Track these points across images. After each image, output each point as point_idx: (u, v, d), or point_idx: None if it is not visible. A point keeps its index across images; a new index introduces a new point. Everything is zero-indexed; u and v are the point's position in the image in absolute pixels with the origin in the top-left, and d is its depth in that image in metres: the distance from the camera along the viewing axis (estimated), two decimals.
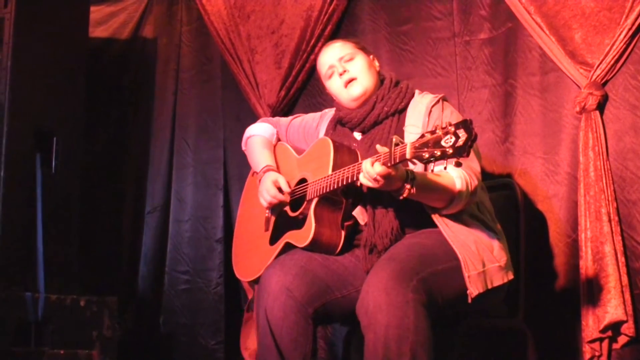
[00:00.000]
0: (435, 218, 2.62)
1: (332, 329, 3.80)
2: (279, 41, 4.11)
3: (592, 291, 3.00)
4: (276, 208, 2.94)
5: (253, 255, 3.02)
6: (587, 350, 3.01)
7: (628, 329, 2.96)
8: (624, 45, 3.07)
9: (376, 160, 2.42)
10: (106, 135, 4.70)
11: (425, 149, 2.27)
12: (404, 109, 2.82)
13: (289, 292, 2.63)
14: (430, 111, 2.75)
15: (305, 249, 2.76)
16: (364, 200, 2.75)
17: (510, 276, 2.67)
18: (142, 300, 4.49)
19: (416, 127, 2.72)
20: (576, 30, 3.17)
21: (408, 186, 2.46)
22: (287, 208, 2.90)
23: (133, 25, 4.77)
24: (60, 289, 3.57)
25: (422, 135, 2.31)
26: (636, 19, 3.02)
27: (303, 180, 2.88)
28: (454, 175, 2.57)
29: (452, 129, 2.23)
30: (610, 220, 3.02)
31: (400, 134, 2.73)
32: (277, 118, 3.28)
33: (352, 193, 2.75)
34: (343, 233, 2.77)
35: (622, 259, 3.01)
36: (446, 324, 2.66)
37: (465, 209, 2.64)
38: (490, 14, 3.52)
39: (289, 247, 2.83)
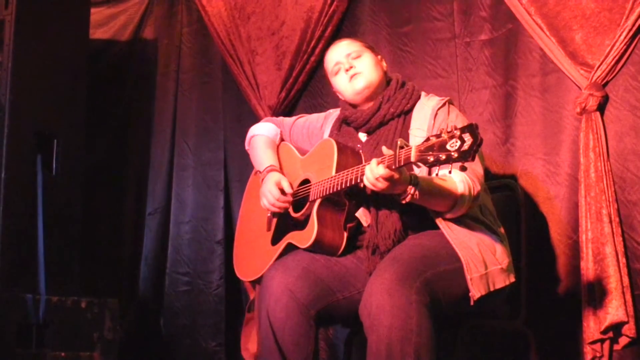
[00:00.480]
0: (438, 221, 2.62)
1: (333, 331, 3.80)
2: (279, 42, 4.11)
3: (593, 292, 3.00)
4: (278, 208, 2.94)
5: (254, 255, 3.01)
6: (588, 352, 3.01)
7: (629, 330, 2.96)
8: (625, 46, 3.07)
9: (380, 162, 2.42)
10: (107, 137, 4.70)
11: (430, 153, 2.26)
12: (410, 111, 2.82)
13: (291, 294, 2.62)
14: (436, 114, 2.75)
15: (307, 250, 2.76)
16: (367, 201, 2.74)
17: (512, 279, 2.67)
18: (143, 301, 4.49)
19: (421, 130, 2.72)
20: (577, 31, 3.18)
21: (411, 190, 2.46)
22: (289, 209, 2.90)
23: (133, 27, 4.77)
24: (61, 290, 3.57)
25: (428, 139, 2.30)
26: (636, 20, 3.02)
27: (306, 181, 2.87)
28: (457, 180, 2.57)
29: (458, 132, 2.22)
30: (611, 221, 3.03)
31: (406, 135, 2.73)
32: (281, 118, 3.27)
33: (355, 195, 2.75)
34: (345, 234, 2.76)
35: (623, 260, 3.01)
36: (448, 325, 2.66)
37: (468, 212, 2.64)
38: (490, 15, 3.52)
39: (290, 247, 2.83)
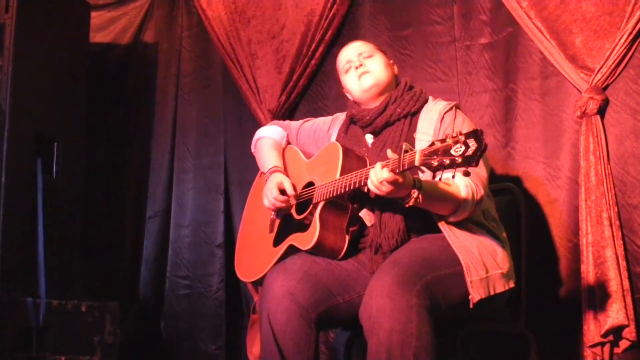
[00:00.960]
0: (441, 224, 2.63)
1: (333, 334, 3.80)
2: (279, 46, 4.11)
3: (594, 295, 3.00)
4: (281, 210, 2.94)
5: (256, 256, 3.01)
6: (588, 355, 3.01)
7: (629, 333, 2.96)
8: (625, 50, 3.07)
9: (385, 166, 2.43)
10: (107, 140, 4.70)
11: (435, 157, 2.27)
12: (416, 113, 2.83)
13: (292, 297, 2.63)
14: (443, 117, 2.76)
15: (308, 252, 2.76)
16: (370, 205, 2.75)
17: (512, 284, 2.67)
18: (143, 305, 4.49)
19: (427, 134, 2.72)
20: (577, 35, 3.18)
21: (415, 194, 2.47)
22: (292, 211, 2.90)
23: (134, 31, 4.77)
24: (61, 294, 3.57)
25: (432, 143, 2.31)
26: (636, 23, 3.03)
27: (310, 184, 2.88)
28: (460, 184, 2.58)
29: (463, 138, 2.24)
30: (611, 225, 3.03)
31: (411, 138, 2.73)
32: (287, 121, 3.28)
33: (359, 199, 2.75)
34: (347, 238, 2.76)
35: (623, 263, 3.01)
36: (448, 329, 2.66)
37: (470, 217, 2.64)
38: (490, 19, 3.53)
39: (292, 249, 2.83)
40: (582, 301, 3.04)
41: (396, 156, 2.41)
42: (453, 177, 2.30)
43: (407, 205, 2.50)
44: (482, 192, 2.63)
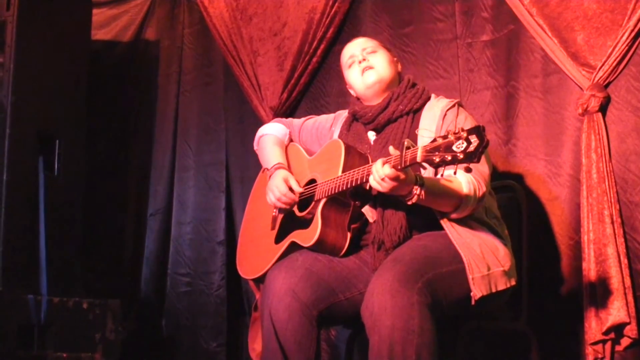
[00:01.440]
0: (443, 221, 2.63)
1: (335, 332, 3.80)
2: (281, 43, 4.11)
3: (595, 293, 3.00)
4: (284, 205, 2.93)
5: (257, 253, 3.02)
6: (590, 353, 3.01)
7: (631, 331, 2.96)
8: (627, 47, 3.07)
9: (386, 162, 2.43)
10: (108, 137, 4.70)
11: (437, 153, 2.27)
12: (419, 110, 2.83)
13: (294, 294, 2.63)
14: (445, 114, 2.76)
15: (310, 249, 2.76)
16: (373, 201, 2.75)
17: (513, 282, 2.67)
18: (144, 302, 4.49)
19: (429, 131, 2.73)
20: (578, 32, 3.17)
21: (417, 191, 2.47)
22: (294, 208, 2.90)
23: (135, 28, 4.77)
24: (63, 291, 3.58)
25: (434, 140, 2.31)
26: (638, 20, 3.02)
27: (313, 181, 2.88)
28: (462, 181, 2.57)
29: (464, 134, 2.24)
30: (613, 222, 3.02)
31: (414, 135, 2.74)
32: (290, 119, 3.28)
33: (361, 196, 2.75)
34: (349, 235, 2.76)
35: (624, 261, 3.01)
36: (449, 326, 2.66)
37: (472, 214, 2.64)
38: (492, 16, 3.52)
39: (294, 246, 2.83)
40: (583, 299, 3.04)
41: (398, 152, 2.41)
42: (455, 173, 2.30)
43: (409, 202, 2.50)
44: (484, 189, 2.63)
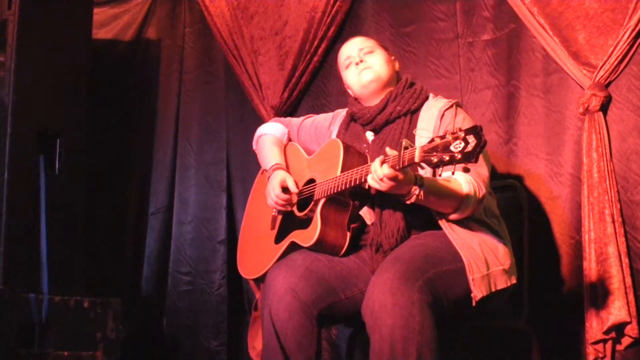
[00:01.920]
0: (441, 222, 2.63)
1: (336, 330, 3.80)
2: (282, 42, 4.11)
3: (596, 292, 3.00)
4: (282, 207, 2.94)
5: (257, 253, 3.02)
6: (590, 352, 3.01)
7: (632, 330, 2.96)
8: (628, 47, 3.07)
9: (384, 162, 2.43)
10: (110, 136, 4.70)
11: (434, 154, 2.28)
12: (417, 110, 2.83)
13: (294, 294, 2.63)
14: (443, 115, 2.76)
15: (309, 249, 2.76)
16: (371, 202, 2.75)
17: (514, 280, 2.67)
18: (145, 301, 4.49)
19: (427, 131, 2.73)
20: (579, 32, 3.17)
21: (416, 191, 2.47)
22: (294, 208, 2.90)
23: (136, 27, 4.77)
24: (64, 290, 3.58)
25: (432, 140, 2.31)
26: (639, 20, 3.02)
27: (312, 181, 2.88)
28: (462, 182, 2.57)
29: (462, 134, 2.24)
30: (613, 222, 3.02)
31: (411, 135, 2.74)
32: (288, 118, 3.29)
33: (360, 196, 2.75)
34: (348, 235, 2.77)
35: (625, 260, 3.01)
36: (450, 325, 2.66)
37: (472, 215, 2.64)
38: (493, 15, 3.52)
39: (293, 246, 2.83)
40: (584, 298, 3.04)
41: (395, 153, 2.41)
42: (453, 173, 2.30)
43: (408, 202, 2.51)
44: (484, 190, 2.63)
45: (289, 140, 3.19)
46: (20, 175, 3.57)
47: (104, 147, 4.61)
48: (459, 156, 2.23)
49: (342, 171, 2.72)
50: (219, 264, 4.30)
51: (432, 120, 2.76)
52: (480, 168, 2.66)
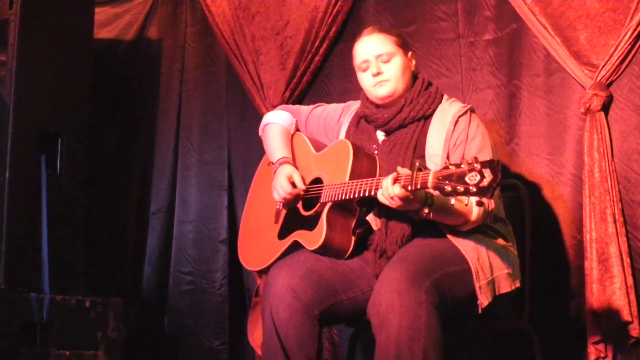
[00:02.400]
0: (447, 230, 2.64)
1: (337, 330, 3.80)
2: (283, 42, 4.11)
3: (597, 292, 3.00)
4: (288, 202, 2.92)
5: (260, 246, 3.00)
6: (592, 352, 3.01)
7: (633, 330, 2.96)
8: (629, 46, 3.06)
9: (397, 181, 2.41)
10: (111, 136, 4.70)
11: (448, 182, 2.25)
12: (431, 115, 2.78)
13: (295, 294, 2.62)
14: (457, 121, 2.72)
15: (314, 252, 2.75)
16: (378, 207, 2.72)
17: (518, 284, 2.69)
18: (146, 301, 4.49)
19: (440, 136, 2.70)
20: (581, 31, 3.17)
21: (426, 210, 2.47)
22: (299, 205, 2.89)
23: (138, 27, 4.77)
24: (65, 289, 3.58)
25: (446, 167, 2.28)
26: None
27: (318, 180, 2.86)
28: (473, 200, 2.54)
29: (478, 166, 2.20)
30: (615, 221, 3.02)
31: (423, 139, 2.72)
32: (297, 106, 3.22)
33: (367, 202, 2.72)
34: (353, 239, 2.76)
35: (627, 260, 3.01)
36: (452, 325, 2.66)
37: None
38: (494, 15, 3.52)
39: (296, 245, 2.82)
40: (585, 298, 3.04)
41: (407, 172, 2.39)
42: (466, 205, 2.27)
43: (416, 219, 2.51)
44: (494, 205, 2.63)
45: (297, 129, 3.12)
46: (21, 175, 3.57)
47: (105, 146, 4.62)
48: (474, 189, 2.20)
49: (350, 177, 2.69)
50: (220, 263, 4.30)
51: (444, 125, 2.72)
52: None
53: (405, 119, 2.77)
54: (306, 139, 3.05)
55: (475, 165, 2.21)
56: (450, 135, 2.70)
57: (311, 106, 3.17)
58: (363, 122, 2.92)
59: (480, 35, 3.56)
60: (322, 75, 4.06)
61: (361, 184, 2.61)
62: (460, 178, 2.23)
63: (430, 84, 2.87)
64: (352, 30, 3.93)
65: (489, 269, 2.58)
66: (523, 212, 3.05)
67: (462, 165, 2.24)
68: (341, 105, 3.09)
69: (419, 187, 2.34)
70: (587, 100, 3.11)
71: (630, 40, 3.05)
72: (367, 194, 2.59)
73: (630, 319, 2.94)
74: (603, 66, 3.10)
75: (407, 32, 3.77)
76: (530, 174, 3.34)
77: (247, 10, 4.24)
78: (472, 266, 2.55)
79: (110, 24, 4.79)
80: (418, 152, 2.72)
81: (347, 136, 2.92)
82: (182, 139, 4.56)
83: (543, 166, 3.32)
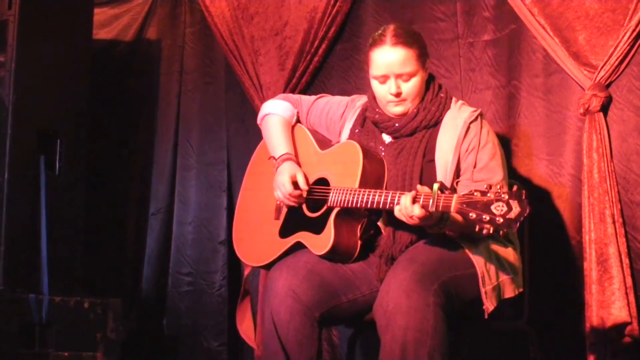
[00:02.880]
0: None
1: (336, 331, 3.80)
2: (282, 43, 4.10)
3: (596, 293, 3.00)
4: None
5: (260, 241, 2.96)
6: (591, 352, 3.00)
7: (632, 330, 2.96)
8: (628, 47, 3.06)
9: (416, 201, 2.38)
10: (110, 137, 4.70)
11: (473, 210, 2.22)
12: (440, 120, 2.76)
13: (295, 296, 2.62)
14: (469, 127, 2.71)
15: (320, 257, 2.73)
16: (387, 214, 2.70)
17: (521, 289, 2.70)
18: (145, 302, 4.49)
19: (450, 141, 2.69)
20: (580, 32, 3.17)
21: (439, 228, 2.48)
22: (304, 207, 2.85)
23: (137, 27, 4.77)
24: (64, 290, 3.58)
25: (471, 193, 2.25)
26: None
27: (323, 180, 2.82)
28: None
29: (506, 197, 2.17)
30: (614, 222, 3.02)
31: (432, 144, 2.70)
32: (298, 96, 3.17)
33: (376, 211, 2.71)
34: (359, 244, 2.74)
35: (626, 261, 3.01)
36: (451, 326, 2.66)
37: None
38: (493, 16, 3.52)
39: (299, 246, 2.79)
40: (584, 299, 3.04)
41: (427, 190, 2.37)
42: (492, 233, 2.21)
43: (429, 232, 2.52)
44: None
45: (297, 120, 3.06)
46: (20, 176, 3.57)
47: (105, 147, 4.61)
48: (500, 220, 2.17)
49: (360, 184, 2.66)
50: (219, 264, 4.29)
51: (455, 130, 2.70)
52: (497, 176, 2.65)
53: (417, 127, 2.75)
54: (308, 133, 2.99)
55: (503, 195, 2.18)
56: (462, 142, 2.68)
57: (313, 97, 3.11)
58: (369, 121, 2.88)
59: (479, 35, 3.55)
60: (321, 75, 4.06)
61: (374, 195, 2.58)
62: (486, 207, 2.19)
63: (440, 88, 2.83)
64: (352, 31, 3.93)
65: (495, 274, 2.59)
66: None
67: (489, 194, 2.21)
68: (345, 99, 3.04)
69: (440, 209, 2.31)
70: (586, 101, 3.11)
71: (629, 40, 3.05)
72: (381, 207, 2.55)
73: (629, 320, 2.94)
74: (602, 67, 3.10)
75: None
76: (529, 175, 3.34)
77: (246, 11, 4.24)
78: (479, 271, 2.55)
79: (109, 25, 4.78)
80: (427, 157, 2.71)
81: (352, 135, 2.89)
82: (181, 140, 4.55)
83: (542, 167, 3.32)
